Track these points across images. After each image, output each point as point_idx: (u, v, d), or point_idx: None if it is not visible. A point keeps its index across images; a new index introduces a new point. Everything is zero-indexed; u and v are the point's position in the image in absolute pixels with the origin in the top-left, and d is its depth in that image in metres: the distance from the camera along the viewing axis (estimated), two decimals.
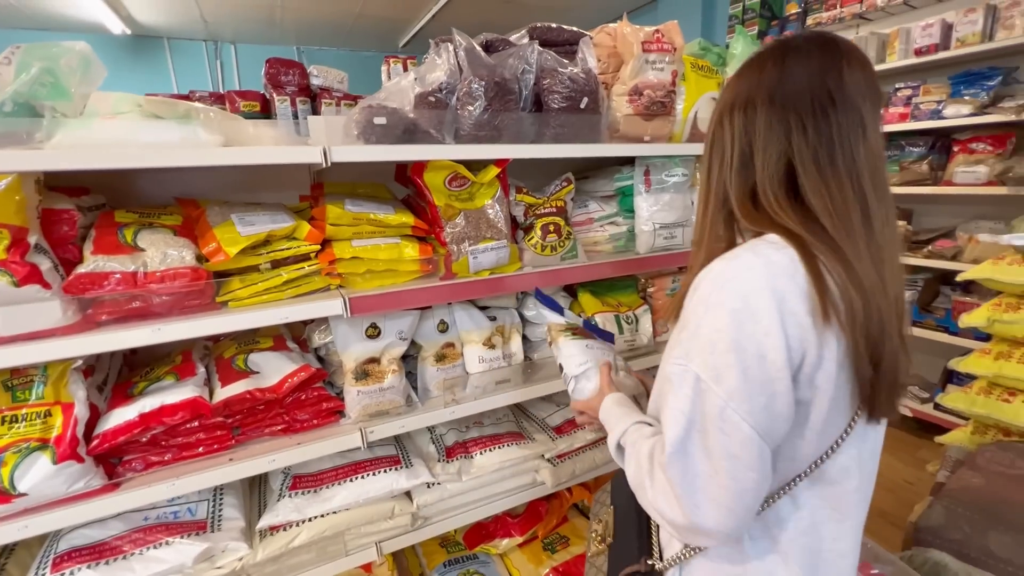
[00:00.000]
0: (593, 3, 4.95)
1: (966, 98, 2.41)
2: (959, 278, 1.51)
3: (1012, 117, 2.23)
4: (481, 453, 1.38)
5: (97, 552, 1.01)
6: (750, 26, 3.65)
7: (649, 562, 0.73)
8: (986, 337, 1.52)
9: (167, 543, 1.04)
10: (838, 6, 3.04)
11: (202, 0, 4.23)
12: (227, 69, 5.53)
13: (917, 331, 2.67)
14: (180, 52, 5.28)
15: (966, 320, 1.42)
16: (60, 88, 0.97)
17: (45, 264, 0.87)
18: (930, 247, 2.60)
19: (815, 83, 0.62)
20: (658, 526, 0.77)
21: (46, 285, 0.86)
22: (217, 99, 1.95)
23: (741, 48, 1.50)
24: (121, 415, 0.98)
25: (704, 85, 1.47)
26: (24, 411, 0.90)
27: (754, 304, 0.56)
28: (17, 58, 0.96)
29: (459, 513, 1.35)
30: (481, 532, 1.56)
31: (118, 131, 0.93)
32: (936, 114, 2.52)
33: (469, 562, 1.50)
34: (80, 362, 0.95)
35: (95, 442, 0.95)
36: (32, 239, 0.85)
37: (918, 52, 2.60)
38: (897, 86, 2.77)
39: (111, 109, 0.99)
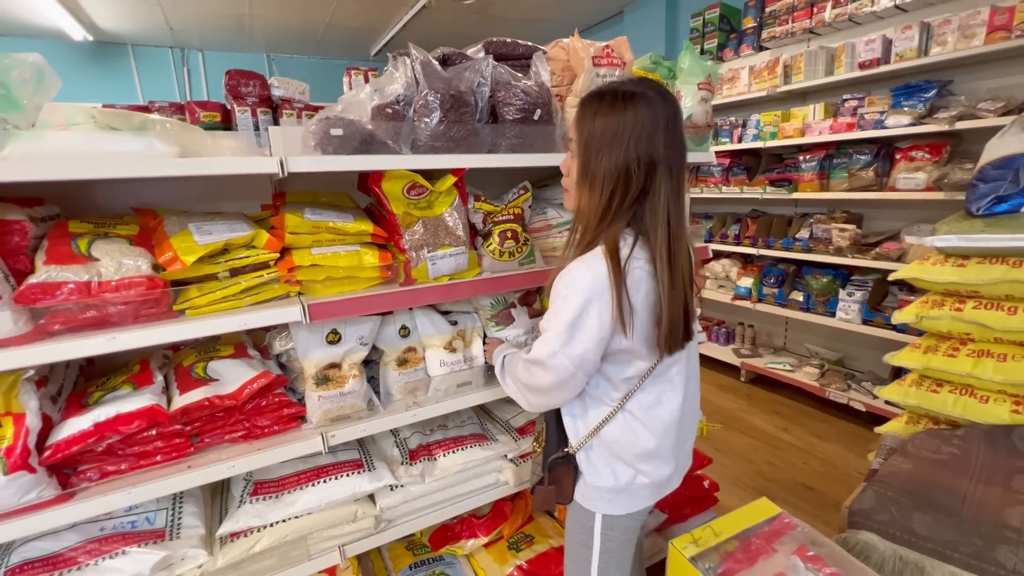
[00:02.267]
0: (562, 16, 5.06)
1: (906, 109, 2.56)
2: (890, 278, 1.61)
3: (946, 127, 2.39)
4: (444, 455, 1.41)
5: (51, 564, 1.00)
6: (710, 39, 3.79)
7: (565, 450, 1.08)
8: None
9: (123, 552, 1.04)
10: (790, 21, 3.19)
11: (167, 7, 4.18)
12: (195, 77, 5.45)
13: (867, 329, 2.81)
14: (145, 59, 5.18)
15: (897, 316, 1.52)
16: (12, 100, 0.97)
17: None
18: (877, 249, 2.74)
19: (679, 134, 0.94)
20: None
21: None
22: (177, 109, 1.95)
23: (688, 63, 1.59)
24: (75, 425, 0.98)
25: None
26: None
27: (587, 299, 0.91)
28: None
29: (423, 515, 1.38)
30: (447, 534, 1.58)
31: (71, 142, 0.94)
32: (879, 124, 2.67)
33: (435, 564, 1.53)
34: (32, 372, 0.95)
35: (47, 452, 0.95)
36: None
37: (862, 65, 2.76)
38: (844, 97, 2.93)
39: (64, 120, 1.00)
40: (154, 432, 1.06)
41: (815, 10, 3.03)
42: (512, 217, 1.40)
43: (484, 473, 1.47)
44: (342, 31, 5.08)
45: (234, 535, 1.16)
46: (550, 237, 1.55)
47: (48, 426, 0.99)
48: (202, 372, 1.16)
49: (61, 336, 0.94)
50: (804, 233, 3.18)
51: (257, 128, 1.72)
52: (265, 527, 1.17)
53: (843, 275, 3.05)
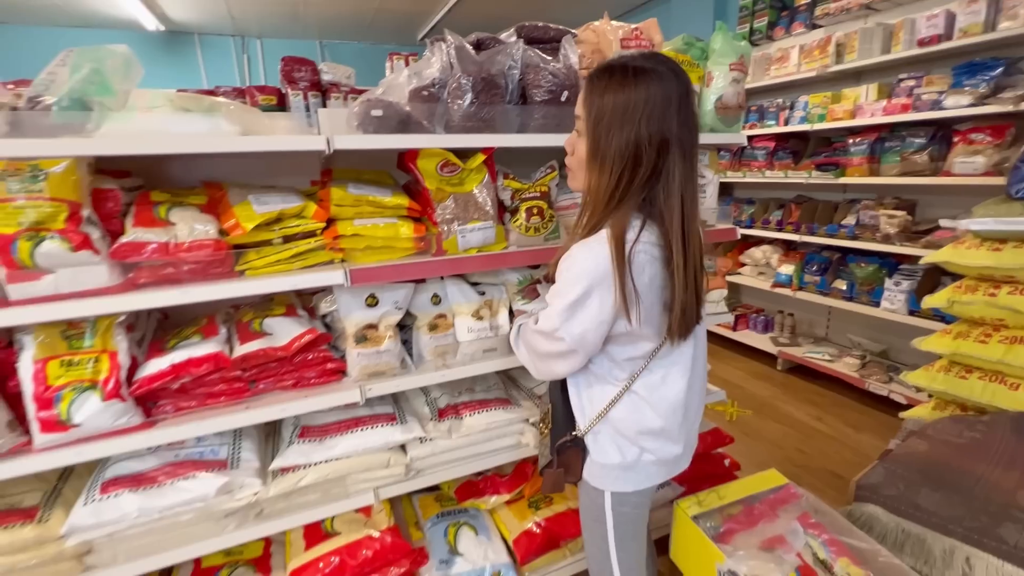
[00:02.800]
0: None
1: (967, 89, 2.42)
2: (920, 262, 1.58)
3: (1011, 108, 2.25)
4: (470, 415, 1.52)
5: (137, 480, 1.19)
6: (760, 17, 3.66)
7: (573, 432, 1.10)
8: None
9: (194, 476, 1.21)
10: None
11: None
12: (253, 63, 5.77)
13: (914, 320, 2.71)
14: (209, 47, 5.53)
15: (928, 301, 1.49)
16: (106, 86, 1.13)
17: (95, 234, 1.04)
18: (929, 237, 2.63)
19: (692, 115, 0.92)
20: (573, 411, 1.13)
21: (96, 251, 1.03)
22: (239, 94, 2.13)
23: (720, 43, 1.59)
24: (156, 365, 1.16)
25: None
26: (78, 357, 1.08)
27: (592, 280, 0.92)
28: (70, 60, 1.13)
29: (449, 467, 1.50)
30: (472, 489, 1.71)
31: (154, 122, 1.09)
32: (937, 105, 2.54)
33: (460, 515, 1.66)
34: (123, 317, 1.13)
35: (135, 386, 1.13)
36: (84, 212, 1.03)
37: (921, 42, 2.62)
38: (900, 76, 2.79)
39: (148, 103, 1.16)
40: (218, 375, 1.23)
41: None
42: (539, 194, 1.48)
43: (507, 434, 1.58)
44: (391, 16, 5.22)
45: (284, 470, 1.32)
46: (574, 214, 1.61)
47: (135, 365, 1.17)
48: (258, 327, 1.31)
49: (145, 288, 1.10)
50: (850, 220, 3.07)
51: (308, 110, 1.86)
52: (310, 465, 1.32)
53: (891, 264, 2.93)
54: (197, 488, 1.20)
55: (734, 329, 3.90)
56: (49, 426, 1.05)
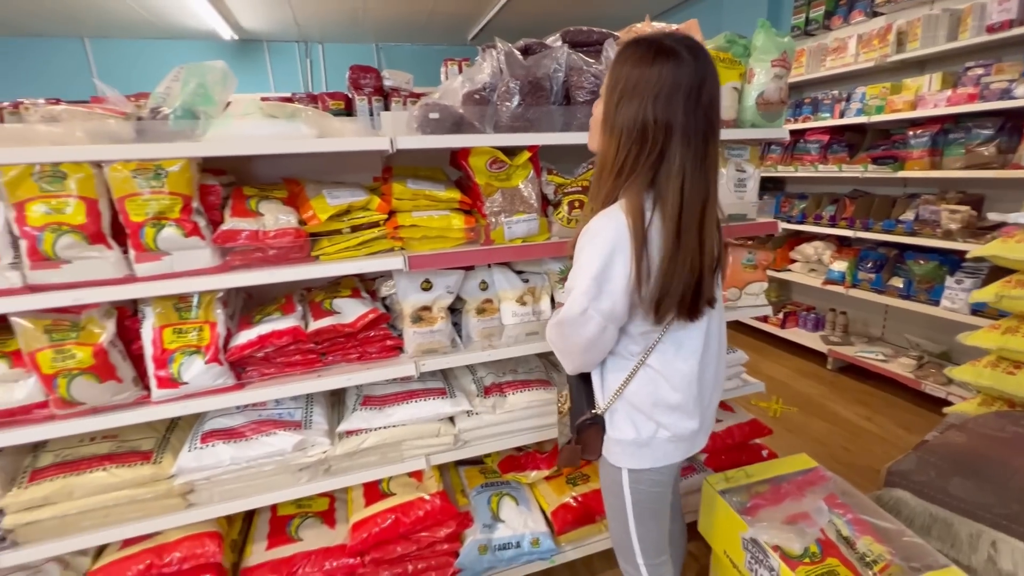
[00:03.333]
0: None
1: None
2: (967, 255, 1.55)
3: None
4: (513, 393, 1.65)
5: (228, 434, 1.39)
6: (816, 6, 3.56)
7: (593, 411, 1.12)
8: None
9: (274, 433, 1.40)
10: None
11: (296, 5, 4.76)
12: (315, 67, 6.13)
13: (977, 320, 2.58)
14: (277, 53, 5.94)
15: (976, 295, 1.47)
16: (209, 97, 1.33)
17: (202, 223, 1.23)
18: (993, 234, 2.50)
19: (702, 103, 0.89)
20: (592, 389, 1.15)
21: (203, 237, 1.22)
22: (312, 100, 2.35)
23: (762, 40, 1.62)
24: (245, 335, 1.35)
25: (726, 76, 1.61)
26: (186, 326, 1.28)
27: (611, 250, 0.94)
28: (181, 76, 1.34)
29: (492, 440, 1.64)
30: (514, 463, 1.84)
31: (248, 127, 1.28)
32: (1007, 94, 2.41)
33: (502, 486, 1.79)
34: (221, 294, 1.33)
35: (229, 353, 1.32)
36: (194, 204, 1.22)
37: (991, 28, 2.49)
38: (967, 65, 2.66)
39: (242, 111, 1.35)
40: (295, 347, 1.41)
41: None
42: (580, 189, 1.58)
43: (546, 413, 1.69)
44: (443, 18, 5.41)
45: (349, 433, 1.49)
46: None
47: (228, 336, 1.37)
48: (328, 306, 1.49)
49: (239, 269, 1.29)
50: (909, 215, 2.96)
51: (372, 113, 2.04)
52: (371, 430, 1.49)
53: (952, 261, 2.81)
54: (277, 443, 1.39)
55: (782, 327, 3.83)
56: (164, 383, 1.26)
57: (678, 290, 0.93)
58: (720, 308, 1.12)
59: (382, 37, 6.14)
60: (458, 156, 1.47)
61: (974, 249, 1.50)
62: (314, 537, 1.55)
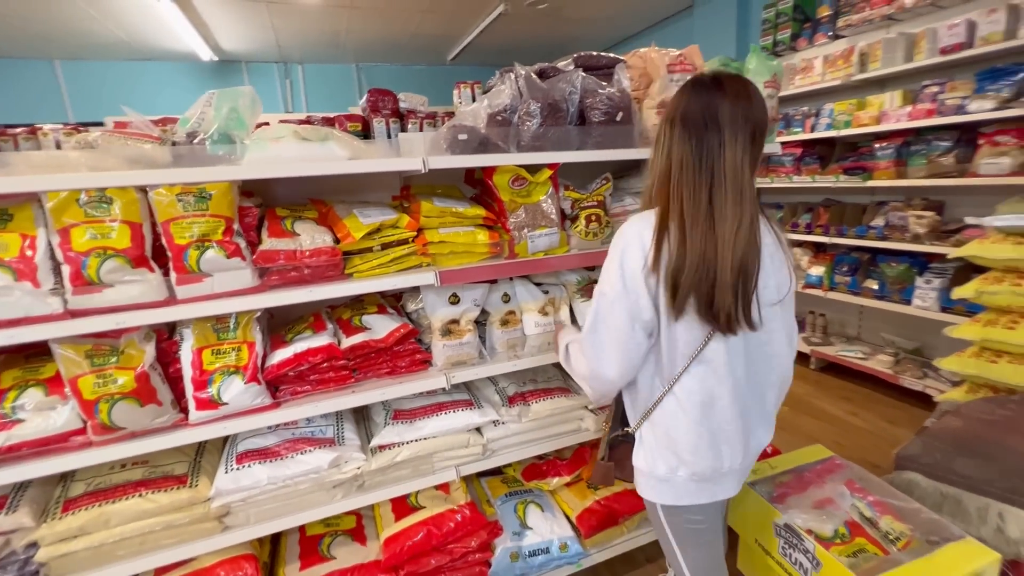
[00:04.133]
0: (632, 13, 5.19)
1: (990, 93, 2.54)
2: (949, 256, 1.70)
3: None
4: (537, 402, 1.70)
5: (263, 454, 1.40)
6: (783, 29, 3.81)
7: (625, 429, 1.16)
8: None
9: (310, 451, 1.41)
10: (868, 8, 3.18)
11: (278, 27, 4.79)
12: (295, 88, 6.13)
13: (946, 316, 2.79)
14: (256, 74, 5.91)
15: (958, 292, 1.62)
16: (241, 121, 1.37)
17: (242, 243, 1.26)
18: (958, 236, 2.72)
19: (701, 110, 0.95)
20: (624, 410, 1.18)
21: (243, 258, 1.25)
22: (328, 123, 2.38)
23: (755, 64, 1.75)
24: (281, 354, 1.37)
25: None
26: (225, 346, 1.29)
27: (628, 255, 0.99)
28: (214, 101, 1.36)
29: (519, 448, 1.68)
30: (536, 471, 1.88)
31: (284, 150, 1.31)
32: (961, 109, 2.65)
33: (526, 494, 1.82)
34: (259, 313, 1.34)
35: (267, 371, 1.34)
36: (235, 226, 1.25)
37: (944, 51, 2.74)
38: (924, 83, 2.90)
39: (274, 135, 1.38)
40: (328, 364, 1.43)
41: None
42: (596, 203, 1.66)
43: (569, 420, 1.74)
44: (424, 39, 5.52)
45: (382, 447, 1.51)
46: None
47: (263, 356, 1.38)
48: (359, 322, 1.52)
49: (278, 288, 1.32)
50: (879, 221, 3.17)
51: (389, 135, 2.09)
52: (404, 443, 1.51)
53: (921, 263, 3.02)
54: (313, 461, 1.40)
55: None
56: (203, 404, 1.26)
57: (691, 278, 0.93)
58: (770, 341, 1.06)
59: (362, 57, 6.20)
60: (483, 174, 1.53)
61: (954, 251, 1.65)
62: (347, 555, 1.55)
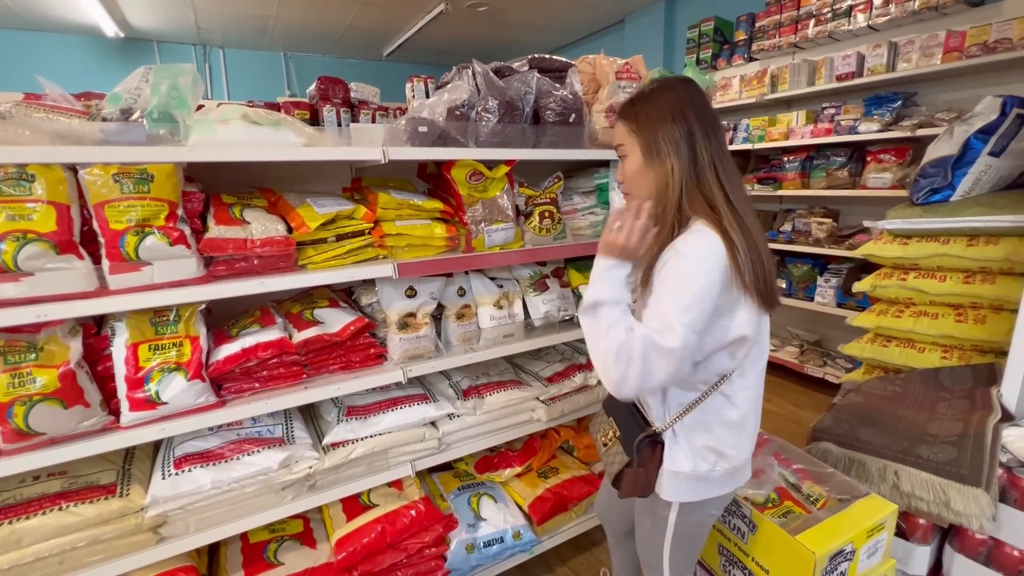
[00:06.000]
0: (567, 22, 5.39)
1: (875, 117, 2.93)
2: (854, 252, 1.96)
3: (909, 133, 2.75)
4: (491, 394, 1.73)
5: (204, 457, 1.30)
6: (705, 48, 4.15)
7: (651, 429, 1.05)
8: None
9: (258, 451, 1.34)
10: (777, 36, 3.55)
11: (199, 7, 4.44)
12: (215, 73, 5.70)
13: (841, 311, 3.18)
14: (169, 55, 5.42)
15: (857, 286, 1.87)
16: (183, 100, 1.27)
17: (187, 230, 1.17)
18: (850, 240, 3.11)
19: (706, 104, 0.98)
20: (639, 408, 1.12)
21: (188, 246, 1.16)
22: (274, 108, 2.25)
23: (692, 76, 1.91)
24: (228, 349, 1.29)
25: None
26: (164, 341, 1.20)
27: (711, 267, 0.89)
28: (151, 78, 1.26)
29: (473, 441, 1.70)
30: (488, 463, 1.90)
31: (234, 134, 1.24)
32: (853, 130, 3.03)
33: (479, 487, 1.84)
34: (203, 306, 1.26)
35: (212, 368, 1.26)
36: (179, 211, 1.16)
37: (839, 78, 3.12)
38: (824, 105, 3.29)
39: (221, 116, 1.30)
40: (279, 359, 1.37)
41: (799, 27, 3.39)
42: (549, 200, 1.73)
43: (521, 411, 1.79)
44: (360, 32, 5.36)
45: (335, 445, 1.46)
46: (575, 219, 1.88)
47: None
48: (310, 316, 1.47)
49: (225, 279, 1.24)
50: (787, 226, 3.54)
51: (339, 124, 2.02)
52: (358, 440, 1.47)
53: (821, 264, 3.41)
54: (262, 461, 1.33)
55: None
56: (138, 405, 1.16)
57: (769, 265, 0.94)
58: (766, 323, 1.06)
59: (291, 47, 5.90)
60: (442, 168, 1.54)
61: (853, 252, 1.90)
62: (296, 559, 1.48)
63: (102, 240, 1.09)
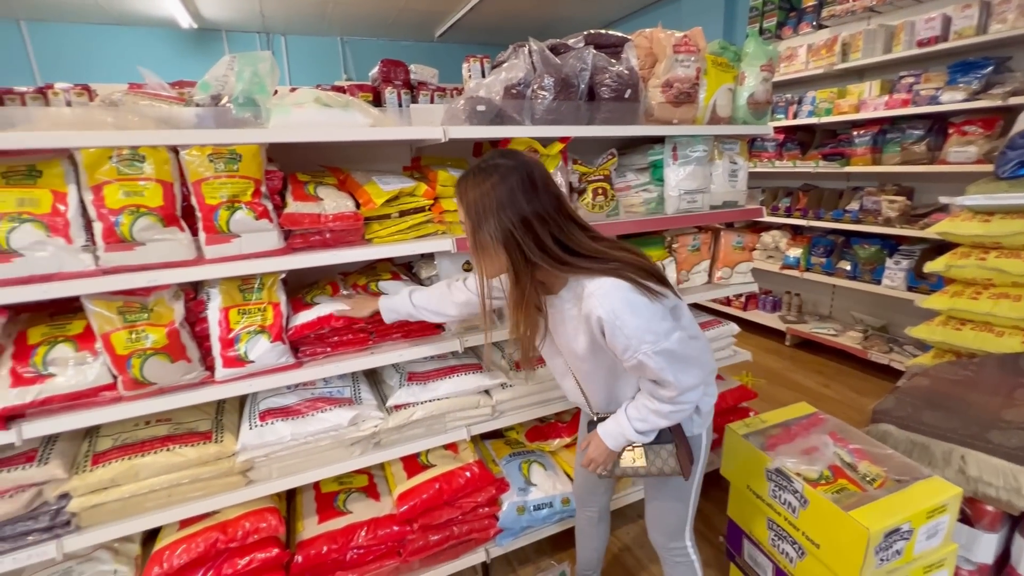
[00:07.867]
0: None
1: (961, 85, 2.70)
2: (926, 231, 1.85)
3: (999, 102, 2.53)
4: (542, 367, 1.79)
5: (285, 412, 1.45)
6: (769, 17, 3.92)
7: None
8: None
9: (330, 409, 1.47)
10: (851, 0, 3.31)
11: None
12: (277, 59, 5.96)
13: (912, 295, 2.99)
14: (236, 44, 5.72)
15: (929, 266, 1.77)
16: (263, 86, 1.38)
17: (269, 206, 1.29)
18: (926, 220, 2.91)
19: (534, 186, 1.01)
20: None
21: (271, 220, 1.28)
22: (339, 91, 2.38)
23: (753, 48, 1.84)
24: (305, 316, 1.41)
25: (722, 78, 1.82)
26: (251, 307, 1.33)
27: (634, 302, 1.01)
28: (235, 66, 1.37)
29: (525, 409, 1.77)
30: (538, 433, 1.98)
31: (309, 116, 1.34)
32: (934, 100, 2.81)
33: (529, 455, 1.92)
34: (283, 274, 1.38)
35: (291, 332, 1.38)
36: (263, 188, 1.28)
37: (920, 43, 2.89)
38: (901, 74, 3.06)
39: (296, 100, 1.40)
40: (348, 327, 1.48)
41: None
42: (602, 177, 1.74)
43: None
44: (414, 14, 5.43)
45: (397, 407, 1.57)
46: (628, 195, 1.88)
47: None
48: (375, 287, 1.57)
49: (302, 251, 1.35)
50: (854, 205, 3.35)
51: (400, 105, 2.11)
52: (419, 403, 1.58)
53: (891, 245, 3.21)
54: (333, 419, 1.46)
55: (744, 309, 4.19)
56: (230, 362, 1.30)
57: (651, 265, 1.13)
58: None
59: (348, 31, 6.07)
60: (499, 145, 1.58)
61: (926, 231, 1.79)
62: (362, 509, 1.62)
63: (199, 214, 1.21)
